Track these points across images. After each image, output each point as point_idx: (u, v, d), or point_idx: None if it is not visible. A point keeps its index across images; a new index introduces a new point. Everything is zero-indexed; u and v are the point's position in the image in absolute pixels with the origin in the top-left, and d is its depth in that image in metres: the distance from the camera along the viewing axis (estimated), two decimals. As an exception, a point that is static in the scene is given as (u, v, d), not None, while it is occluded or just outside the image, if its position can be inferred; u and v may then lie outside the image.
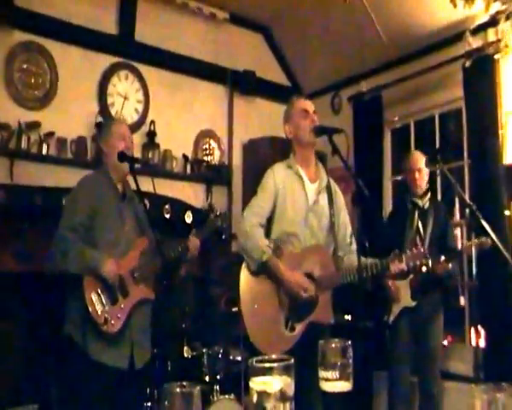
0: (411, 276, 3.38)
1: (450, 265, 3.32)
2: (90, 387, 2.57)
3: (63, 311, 2.70)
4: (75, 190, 2.83)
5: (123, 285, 2.71)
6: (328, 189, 2.81)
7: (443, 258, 3.29)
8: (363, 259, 2.54)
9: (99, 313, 2.59)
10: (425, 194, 3.64)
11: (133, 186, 2.78)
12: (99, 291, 2.63)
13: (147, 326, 2.85)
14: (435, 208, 3.63)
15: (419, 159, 3.62)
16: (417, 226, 3.56)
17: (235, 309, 3.58)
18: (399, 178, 4.59)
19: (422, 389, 3.55)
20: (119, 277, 2.67)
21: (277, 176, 2.77)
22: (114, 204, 2.83)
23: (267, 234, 2.73)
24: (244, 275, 2.69)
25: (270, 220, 2.76)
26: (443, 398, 3.61)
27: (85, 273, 2.61)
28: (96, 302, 2.61)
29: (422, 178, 3.60)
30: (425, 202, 3.62)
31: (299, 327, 2.61)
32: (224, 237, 3.06)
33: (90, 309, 2.57)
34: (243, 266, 2.69)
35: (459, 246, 3.74)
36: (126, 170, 2.85)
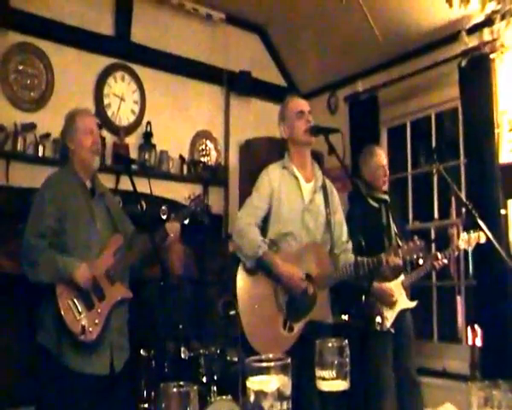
0: (403, 277, 3.35)
1: (445, 260, 3.33)
2: (71, 395, 2.46)
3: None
4: (40, 193, 2.65)
5: (98, 288, 2.59)
6: (324, 188, 2.82)
7: (439, 255, 3.30)
8: (358, 257, 2.55)
9: (75, 322, 2.46)
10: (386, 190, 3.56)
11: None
12: (74, 299, 2.49)
13: (124, 326, 2.74)
14: (392, 204, 3.58)
15: (383, 155, 3.59)
16: (390, 223, 3.47)
17: (232, 313, 3.56)
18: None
19: (406, 380, 3.41)
20: (92, 280, 2.54)
21: (272, 176, 2.77)
22: (84, 203, 2.68)
23: (263, 235, 2.71)
24: (241, 276, 2.67)
25: (265, 221, 2.75)
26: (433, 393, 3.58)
27: (58, 281, 2.48)
28: (72, 311, 2.47)
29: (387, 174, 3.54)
30: (386, 198, 3.53)
31: (298, 327, 2.60)
32: (200, 219, 3.00)
33: (65, 319, 2.44)
34: (240, 266, 2.68)
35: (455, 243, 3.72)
36: (95, 166, 2.73)
